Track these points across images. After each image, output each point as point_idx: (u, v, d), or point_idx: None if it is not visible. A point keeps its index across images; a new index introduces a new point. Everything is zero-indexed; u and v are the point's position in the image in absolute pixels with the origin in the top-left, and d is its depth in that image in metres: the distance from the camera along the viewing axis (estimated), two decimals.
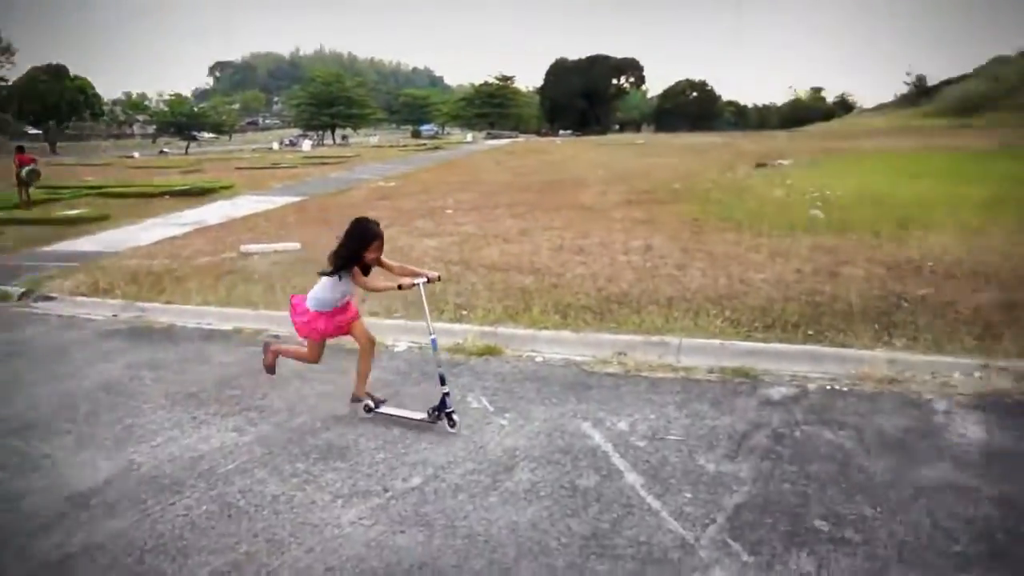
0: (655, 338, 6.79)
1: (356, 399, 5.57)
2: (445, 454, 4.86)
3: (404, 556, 3.71)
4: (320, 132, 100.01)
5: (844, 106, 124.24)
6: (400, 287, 5.16)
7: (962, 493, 4.12)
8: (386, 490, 4.41)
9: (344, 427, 5.35)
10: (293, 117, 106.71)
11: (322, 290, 5.41)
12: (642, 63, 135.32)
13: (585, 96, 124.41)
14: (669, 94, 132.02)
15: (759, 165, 24.98)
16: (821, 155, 29.67)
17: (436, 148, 61.23)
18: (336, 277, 5.26)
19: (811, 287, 8.05)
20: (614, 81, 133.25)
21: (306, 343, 5.69)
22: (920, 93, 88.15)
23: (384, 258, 5.41)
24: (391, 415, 5.39)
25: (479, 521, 4.02)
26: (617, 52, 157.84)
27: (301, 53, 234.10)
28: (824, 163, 25.70)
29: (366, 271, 5.35)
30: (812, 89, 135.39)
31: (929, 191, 15.83)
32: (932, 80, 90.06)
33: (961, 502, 4.02)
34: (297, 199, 21.31)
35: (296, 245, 12.35)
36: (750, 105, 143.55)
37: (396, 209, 17.47)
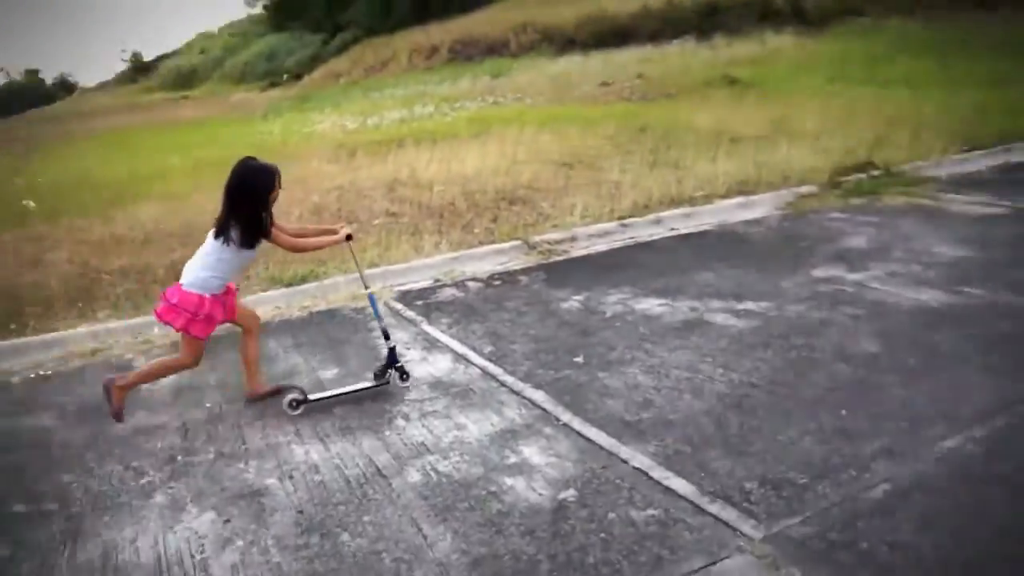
0: None
1: (257, 396, 4.86)
2: None
3: None
4: None
5: (66, 87, 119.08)
6: (349, 238, 4.65)
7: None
8: None
9: None
10: None
11: (218, 266, 4.44)
12: None
13: None
14: None
15: None
16: (39, 141, 28.22)
17: None
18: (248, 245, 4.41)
19: (12, 283, 7.84)
20: None
21: (183, 345, 4.67)
22: (138, 69, 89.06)
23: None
24: (333, 397, 4.76)
25: None
26: None
27: None
28: (42, 148, 24.56)
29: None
30: (28, 71, 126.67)
31: (142, 166, 16.43)
32: (148, 56, 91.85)
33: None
34: None
35: None
36: None
37: None
